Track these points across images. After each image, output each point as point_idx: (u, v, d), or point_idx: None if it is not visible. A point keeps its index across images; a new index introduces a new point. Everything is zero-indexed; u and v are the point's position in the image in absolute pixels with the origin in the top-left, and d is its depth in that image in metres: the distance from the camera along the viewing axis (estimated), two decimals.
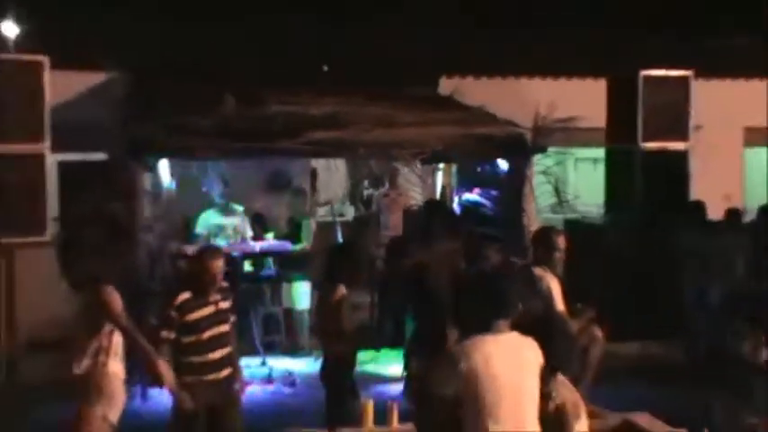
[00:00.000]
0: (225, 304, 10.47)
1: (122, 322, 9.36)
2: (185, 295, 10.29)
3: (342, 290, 11.69)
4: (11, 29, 16.15)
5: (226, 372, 10.38)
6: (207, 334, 10.20)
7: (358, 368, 12.36)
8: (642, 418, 10.43)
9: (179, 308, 10.18)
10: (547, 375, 7.39)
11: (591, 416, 8.23)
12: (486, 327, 7.14)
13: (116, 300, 9.44)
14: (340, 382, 11.73)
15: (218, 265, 10.43)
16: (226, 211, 17.52)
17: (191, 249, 16.36)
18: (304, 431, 10.36)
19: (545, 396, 7.38)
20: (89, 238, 10.87)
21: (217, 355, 10.28)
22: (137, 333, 9.35)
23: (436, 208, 17.49)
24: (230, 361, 10.48)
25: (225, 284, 10.81)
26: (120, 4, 19.78)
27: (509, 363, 7.07)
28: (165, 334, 10.10)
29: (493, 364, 7.00)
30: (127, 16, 19.52)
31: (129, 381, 12.28)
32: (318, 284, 13.87)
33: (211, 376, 10.25)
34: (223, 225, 17.29)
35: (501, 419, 6.95)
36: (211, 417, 10.29)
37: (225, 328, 10.42)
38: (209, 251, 10.89)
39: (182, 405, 10.12)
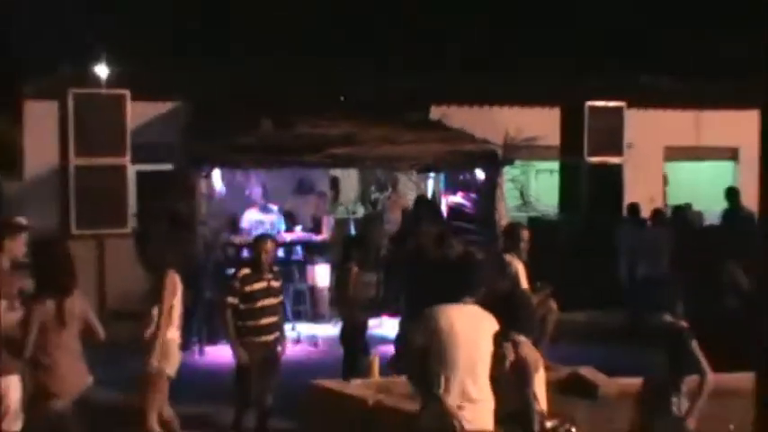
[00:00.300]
0: (275, 283, 10.63)
1: (161, 306, 9.48)
2: (246, 270, 10.47)
3: (355, 270, 11.84)
4: (102, 71, 16.29)
5: (273, 336, 10.50)
6: (260, 303, 10.33)
7: (368, 332, 12.52)
8: (586, 371, 10.62)
9: (241, 280, 10.33)
10: (502, 340, 7.35)
11: (547, 369, 8.28)
12: (455, 300, 7.22)
13: (172, 284, 9.53)
14: (354, 343, 11.84)
15: (269, 247, 10.63)
16: (264, 209, 17.56)
17: (237, 240, 16.53)
18: (325, 382, 10.39)
19: (501, 358, 7.35)
20: (159, 231, 11.01)
21: (266, 321, 10.38)
22: (162, 317, 9.47)
23: (423, 202, 17.69)
24: (277, 328, 10.60)
25: (276, 268, 11.03)
26: (181, 52, 19.86)
27: (469, 327, 7.05)
28: (230, 300, 10.25)
29: (455, 326, 6.99)
30: (187, 60, 19.60)
31: (189, 341, 12.46)
32: (337, 266, 14.02)
33: (262, 338, 10.37)
34: (262, 220, 17.32)
35: (458, 370, 6.94)
36: (261, 370, 10.42)
37: (274, 301, 10.55)
38: (263, 237, 11.09)
39: (239, 360, 10.29)
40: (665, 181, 23.46)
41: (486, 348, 7.13)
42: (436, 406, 6.84)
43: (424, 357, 7.02)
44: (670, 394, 7.56)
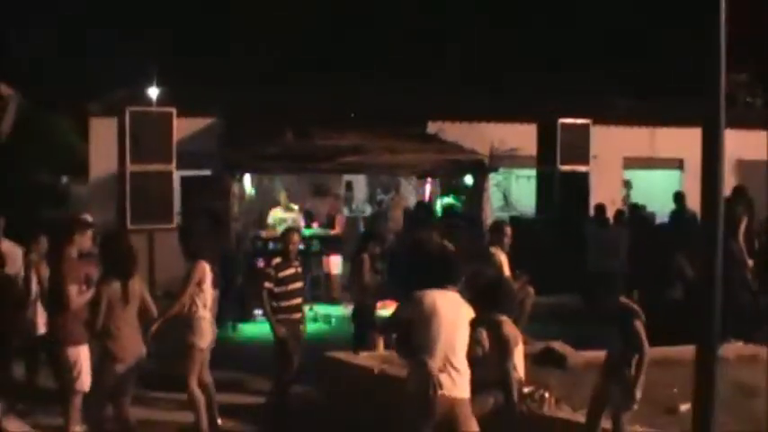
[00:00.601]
0: (300, 269, 10.63)
1: (182, 289, 9.53)
2: (278, 259, 10.42)
3: (366, 260, 11.89)
4: (153, 92, 16.42)
5: (299, 314, 10.53)
6: (290, 287, 10.30)
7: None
8: (557, 345, 10.72)
9: (275, 267, 10.31)
10: (477, 325, 7.31)
11: (525, 343, 8.36)
12: (439, 286, 7.11)
13: (201, 272, 9.52)
14: (363, 321, 11.86)
15: (296, 239, 10.67)
16: (287, 208, 17.64)
17: (264, 234, 16.62)
18: (338, 354, 10.54)
19: (475, 342, 7.33)
20: (199, 227, 11.05)
21: (295, 302, 10.39)
22: (178, 299, 9.52)
23: (422, 205, 17.78)
24: (301, 307, 10.65)
25: (299, 257, 11.08)
26: (217, 77, 20.02)
27: (449, 310, 6.94)
28: (267, 284, 10.18)
29: (438, 307, 6.89)
30: (223, 84, 19.74)
31: (224, 320, 12.46)
32: (350, 257, 14.08)
33: (292, 316, 10.35)
34: (285, 218, 17.44)
35: (440, 343, 6.84)
36: (292, 342, 10.44)
37: (300, 284, 10.57)
38: (290, 230, 11.13)
39: (280, 335, 10.28)
40: (629, 186, 23.48)
41: (464, 329, 7.06)
42: (420, 370, 6.88)
43: (409, 332, 6.99)
44: (623, 366, 7.65)
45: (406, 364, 7.30)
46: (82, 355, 8.54)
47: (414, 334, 6.96)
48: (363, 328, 11.75)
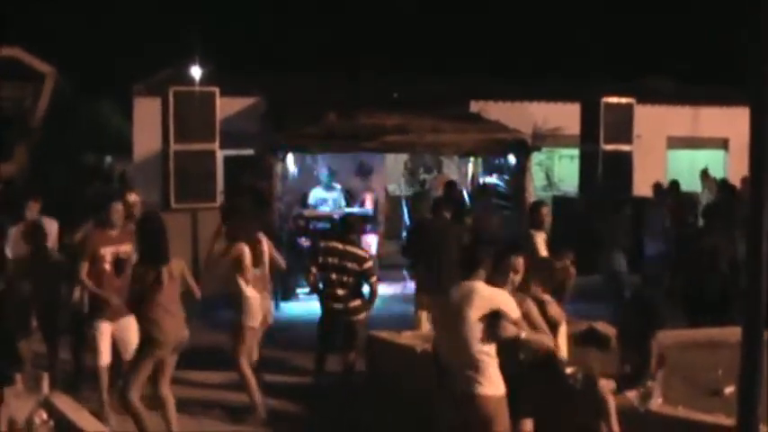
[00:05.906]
0: None
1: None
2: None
3: None
4: (197, 72, 16.46)
5: None
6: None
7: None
8: (600, 325, 10.67)
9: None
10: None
11: (568, 323, 8.39)
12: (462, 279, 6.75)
13: (236, 251, 9.55)
14: None
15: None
16: (329, 188, 17.69)
17: (306, 213, 16.66)
18: (380, 332, 10.44)
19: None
20: (243, 207, 11.05)
21: None
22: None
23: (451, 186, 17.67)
24: None
25: None
26: (261, 57, 20.04)
27: (453, 305, 6.63)
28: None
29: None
30: (266, 63, 19.79)
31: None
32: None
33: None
34: (326, 198, 17.49)
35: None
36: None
37: None
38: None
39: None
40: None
41: (471, 320, 6.47)
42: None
43: None
44: None
45: None
46: (99, 330, 8.66)
47: None
48: None
